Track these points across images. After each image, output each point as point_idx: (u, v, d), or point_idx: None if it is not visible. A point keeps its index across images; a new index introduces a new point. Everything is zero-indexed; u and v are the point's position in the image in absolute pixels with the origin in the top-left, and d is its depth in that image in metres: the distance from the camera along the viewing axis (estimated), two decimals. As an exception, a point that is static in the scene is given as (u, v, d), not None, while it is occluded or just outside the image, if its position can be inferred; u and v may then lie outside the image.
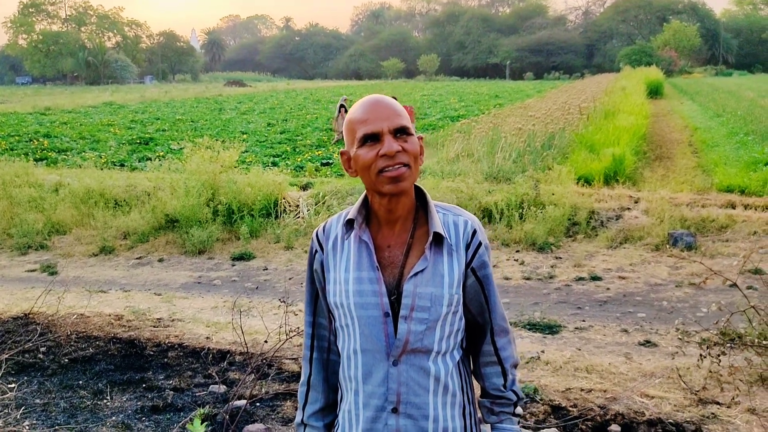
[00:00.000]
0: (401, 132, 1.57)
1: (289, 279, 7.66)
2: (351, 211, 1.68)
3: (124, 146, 18.34)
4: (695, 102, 31.15)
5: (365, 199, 1.67)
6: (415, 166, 1.59)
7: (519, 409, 1.76)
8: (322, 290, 1.73)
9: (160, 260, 8.57)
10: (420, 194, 1.68)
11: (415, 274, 1.59)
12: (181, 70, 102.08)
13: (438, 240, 1.62)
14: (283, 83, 77.90)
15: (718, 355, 3.21)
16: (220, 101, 40.00)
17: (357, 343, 1.63)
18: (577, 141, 14.24)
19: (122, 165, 14.94)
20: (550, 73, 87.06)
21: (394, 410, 1.61)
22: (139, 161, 15.49)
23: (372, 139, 1.56)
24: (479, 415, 1.77)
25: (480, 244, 1.66)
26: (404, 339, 1.59)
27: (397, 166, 1.54)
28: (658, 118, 23.89)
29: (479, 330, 1.74)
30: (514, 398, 1.76)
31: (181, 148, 16.90)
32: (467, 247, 1.65)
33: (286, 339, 4.60)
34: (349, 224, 1.66)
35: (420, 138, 1.64)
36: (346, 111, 19.65)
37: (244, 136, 20.26)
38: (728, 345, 4.82)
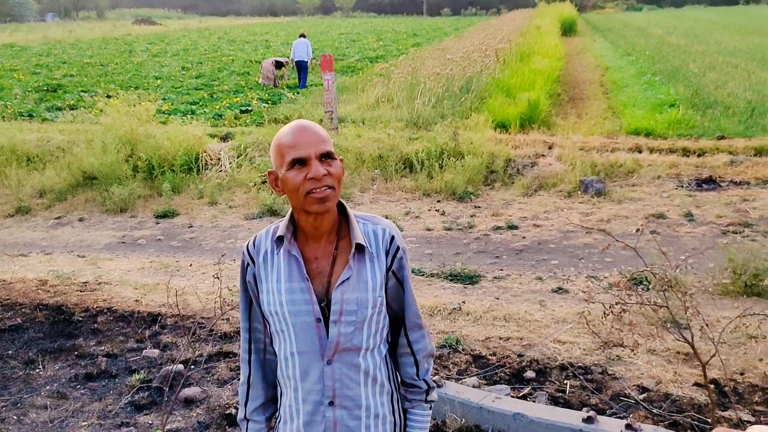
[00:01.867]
0: (326, 157, 1.72)
1: (216, 236, 7.69)
2: (280, 227, 1.82)
3: (30, 94, 17.50)
4: (607, 39, 31.95)
5: (292, 216, 1.81)
6: (339, 187, 1.75)
7: (432, 395, 1.98)
8: (255, 299, 1.88)
9: (81, 219, 8.41)
10: (342, 208, 1.83)
11: (342, 283, 1.76)
12: (85, 7, 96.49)
13: (360, 249, 1.78)
14: (195, 21, 74.98)
15: (621, 303, 3.52)
16: (129, 41, 38.30)
17: (293, 346, 1.80)
18: (493, 85, 14.51)
19: (31, 116, 14.30)
20: (467, 8, 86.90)
21: (331, 403, 1.80)
22: (49, 111, 14.85)
23: (300, 163, 1.70)
24: None
25: (398, 248, 1.84)
26: (335, 340, 1.77)
27: (323, 188, 1.70)
28: (572, 57, 24.46)
29: (398, 325, 1.94)
30: (425, 387, 1.96)
31: (93, 95, 16.31)
32: (387, 253, 1.82)
33: (223, 312, 4.70)
34: (279, 240, 1.80)
35: (341, 160, 1.78)
36: (283, 66, 19.06)
37: (158, 81, 19.66)
38: (632, 290, 5.23)
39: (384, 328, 1.86)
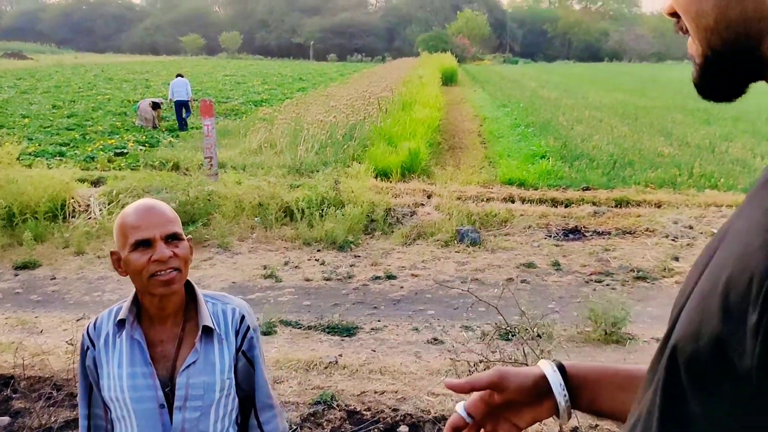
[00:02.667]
0: (172, 238, 1.69)
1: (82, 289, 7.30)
2: (122, 310, 1.74)
3: None
4: (485, 90, 33.40)
5: (135, 297, 1.75)
6: (186, 269, 1.72)
7: None
8: (95, 384, 1.78)
9: (-70, 271, 7.77)
10: (190, 288, 1.78)
11: (188, 366, 1.71)
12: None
13: (208, 331, 1.74)
14: (70, 56, 72.08)
15: (484, 361, 3.63)
16: (-4, 77, 36.29)
17: None
18: (376, 134, 14.79)
19: None
20: (353, 55, 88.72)
21: None
22: None
23: (144, 244, 1.66)
24: None
25: (248, 328, 1.82)
26: (180, 427, 1.71)
27: (168, 271, 1.65)
28: (452, 106, 25.37)
29: (249, 405, 1.89)
30: None
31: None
32: (237, 333, 1.80)
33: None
34: (120, 323, 1.72)
35: (189, 239, 1.75)
36: (159, 107, 18.49)
37: (26, 120, 18.67)
38: (502, 339, 5.39)
39: (233, 411, 1.81)
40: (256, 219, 9.19)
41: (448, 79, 37.35)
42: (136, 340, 1.72)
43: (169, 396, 1.71)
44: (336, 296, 7.01)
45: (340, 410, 4.60)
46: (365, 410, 4.61)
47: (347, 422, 4.47)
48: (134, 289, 1.75)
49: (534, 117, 20.62)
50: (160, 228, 1.67)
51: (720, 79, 0.75)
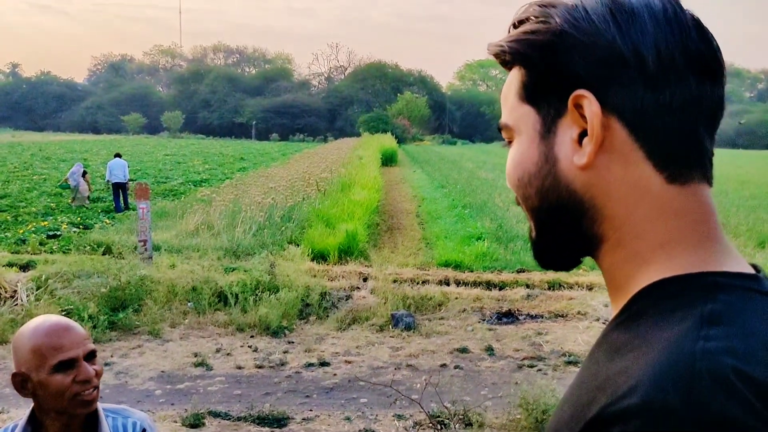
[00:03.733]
0: (92, 356, 1.68)
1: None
2: (19, 427, 1.70)
3: None
4: (424, 171, 34.10)
5: (32, 416, 1.71)
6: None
7: None
8: None
9: None
10: None
11: None
12: None
13: None
14: (7, 135, 70.97)
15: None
16: (-74, 155, 35.33)
17: None
18: (314, 215, 14.87)
19: None
20: (295, 134, 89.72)
21: None
22: None
23: (67, 365, 1.63)
24: None
25: None
26: None
27: (92, 390, 1.65)
28: (392, 186, 25.78)
29: None
30: None
31: None
32: None
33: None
34: None
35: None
36: (89, 177, 18.50)
37: (-45, 201, 18.15)
38: (434, 429, 5.37)
39: None
40: (189, 304, 9.03)
41: (388, 160, 38.06)
42: None
43: None
44: (268, 385, 6.89)
45: None
46: (293, 508, 4.49)
47: None
48: (30, 409, 1.71)
49: (471, 198, 21.07)
50: (82, 347, 1.65)
51: (552, 253, 0.82)
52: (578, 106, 0.72)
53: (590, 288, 10.21)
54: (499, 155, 49.61)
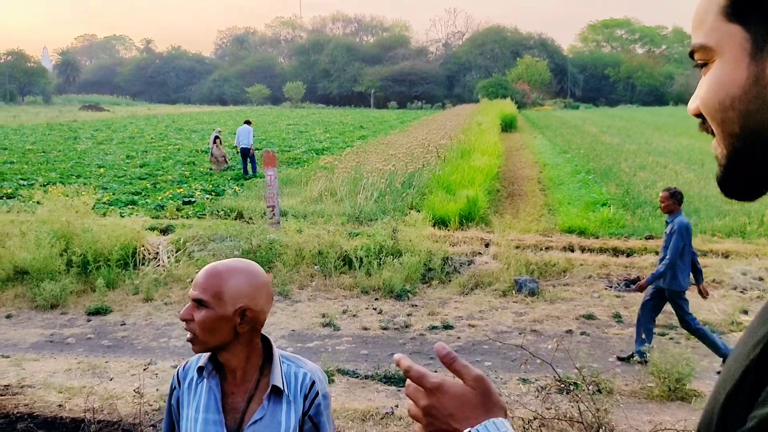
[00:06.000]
0: (200, 304, 1.76)
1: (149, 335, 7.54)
2: (202, 358, 1.86)
3: (-35, 181, 17.16)
4: (545, 136, 33.27)
5: None
6: (204, 335, 1.76)
7: None
8: (177, 423, 1.89)
9: (8, 316, 8.15)
10: (268, 347, 1.87)
11: (254, 422, 1.78)
12: (31, 92, 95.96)
13: (277, 391, 1.81)
14: (143, 108, 75.32)
15: (539, 418, 3.59)
16: (74, 128, 38.14)
17: None
18: (434, 182, 14.90)
19: (-36, 205, 13.99)
20: (413, 102, 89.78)
21: None
22: (-16, 200, 14.56)
23: (192, 300, 1.79)
24: None
25: (317, 393, 1.87)
26: None
27: (187, 332, 1.79)
28: (512, 153, 25.36)
29: None
30: None
31: (31, 184, 16.08)
32: (305, 397, 1.85)
33: (151, 420, 4.59)
34: (200, 370, 1.83)
35: (251, 310, 1.78)
36: (221, 142, 19.56)
37: (101, 170, 19.54)
38: (560, 392, 5.32)
39: None
40: (315, 267, 9.34)
41: (508, 126, 37.41)
42: (212, 388, 1.83)
43: None
44: (393, 346, 7.05)
45: (395, 463, 4.61)
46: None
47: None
48: None
49: (595, 163, 20.42)
50: (193, 290, 1.77)
51: (743, 181, 0.77)
52: None
53: (726, 256, 9.69)
54: (625, 119, 47.59)
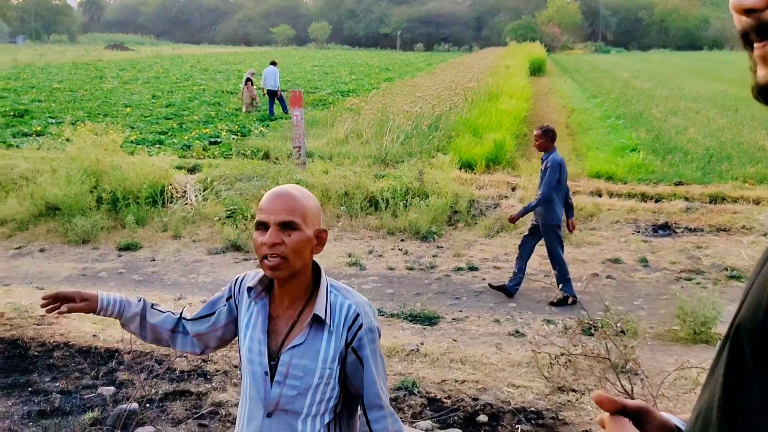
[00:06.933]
0: (287, 227, 1.76)
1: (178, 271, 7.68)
2: (256, 277, 1.90)
3: (-4, 119, 17.36)
4: (574, 81, 32.67)
5: None
6: (295, 259, 1.77)
7: None
8: (224, 323, 2.02)
9: (42, 250, 8.34)
10: (318, 275, 1.89)
11: (293, 347, 1.81)
12: (56, 30, 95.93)
13: (318, 320, 1.83)
14: (168, 48, 74.94)
15: (566, 354, 3.64)
16: (100, 67, 38.17)
17: (246, 389, 1.90)
18: (461, 125, 14.77)
19: (-5, 141, 14.18)
20: (440, 44, 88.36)
21: None
22: (14, 137, 14.74)
23: (262, 226, 1.77)
24: None
25: (361, 326, 1.85)
26: (275, 400, 1.82)
27: (274, 257, 1.75)
28: (540, 97, 24.98)
29: (360, 401, 1.94)
30: None
31: (60, 122, 16.22)
32: (348, 329, 1.85)
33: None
34: (249, 290, 1.87)
35: (324, 232, 1.85)
36: (252, 84, 19.48)
37: (128, 109, 19.62)
38: (585, 334, 5.36)
39: (331, 400, 1.86)
40: (341, 208, 9.39)
41: (537, 70, 36.76)
42: (260, 308, 1.88)
43: (273, 369, 1.83)
44: (418, 285, 7.11)
45: (420, 397, 4.70)
46: (445, 398, 4.69)
47: (428, 408, 4.56)
48: None
49: (625, 108, 20.06)
50: (275, 215, 1.75)
51: None
52: None
53: (757, 202, 9.55)
54: (657, 63, 46.50)
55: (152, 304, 2.13)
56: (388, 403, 1.93)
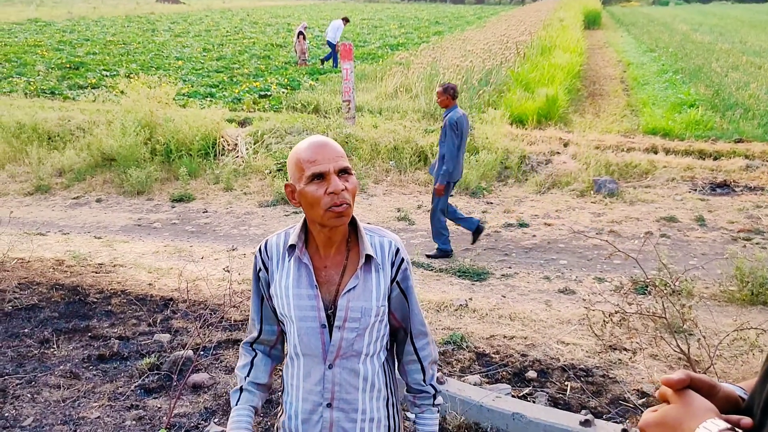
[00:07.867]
0: (344, 172, 1.79)
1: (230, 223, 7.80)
2: (291, 236, 1.89)
3: (53, 71, 17.67)
4: (630, 34, 31.65)
5: (304, 224, 1.88)
6: (353, 202, 1.82)
7: (439, 399, 2.06)
8: (267, 298, 1.96)
9: (98, 200, 8.56)
10: (352, 220, 1.90)
11: (349, 291, 1.84)
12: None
13: (368, 260, 1.86)
14: (218, 1, 74.94)
15: (621, 312, 3.58)
16: (152, 20, 38.43)
17: (298, 348, 1.90)
18: (512, 79, 14.49)
19: (53, 93, 14.47)
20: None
21: (329, 405, 1.89)
22: (71, 90, 15.02)
23: (320, 177, 1.77)
24: (403, 405, 2.06)
25: (402, 260, 1.92)
26: (338, 345, 1.86)
27: (342, 205, 1.76)
28: (594, 51, 24.30)
29: (403, 333, 2.02)
30: (432, 391, 2.05)
31: (114, 74, 16.46)
32: (392, 264, 1.90)
33: (233, 301, 4.80)
34: (291, 248, 1.87)
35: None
36: (305, 38, 19.57)
37: (179, 63, 19.77)
38: (638, 293, 5.28)
39: (384, 337, 1.94)
40: (390, 162, 9.36)
41: (591, 22, 35.70)
42: (304, 264, 1.87)
43: (330, 317, 1.85)
44: (468, 241, 7.08)
45: (469, 351, 4.72)
46: (494, 353, 4.70)
47: (476, 363, 4.58)
48: (303, 218, 1.90)
49: (684, 63, 19.38)
50: (333, 162, 1.76)
51: None
52: None
53: (822, 161, 9.19)
54: (719, 16, 44.64)
55: (242, 387, 2.05)
56: (428, 329, 2.03)
